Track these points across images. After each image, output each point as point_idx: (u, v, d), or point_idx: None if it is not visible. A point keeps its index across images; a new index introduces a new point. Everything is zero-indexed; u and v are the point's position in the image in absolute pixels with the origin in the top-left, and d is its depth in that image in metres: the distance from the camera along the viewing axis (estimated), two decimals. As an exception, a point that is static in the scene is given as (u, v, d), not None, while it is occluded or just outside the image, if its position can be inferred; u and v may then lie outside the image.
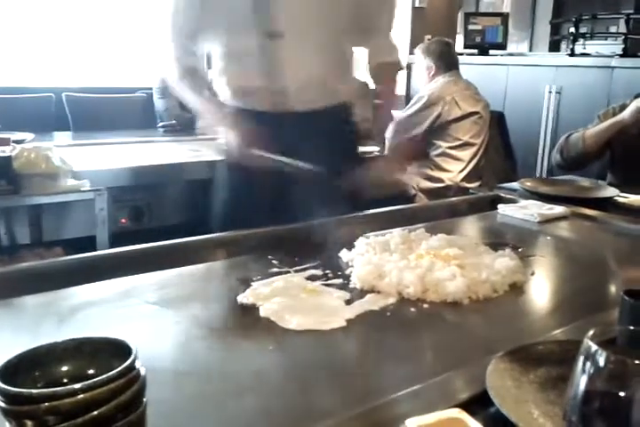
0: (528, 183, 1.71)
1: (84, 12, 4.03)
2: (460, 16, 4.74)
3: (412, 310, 0.88)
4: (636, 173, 1.90)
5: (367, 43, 1.49)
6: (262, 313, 0.85)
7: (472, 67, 3.77)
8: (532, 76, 3.76)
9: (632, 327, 0.56)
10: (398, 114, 3.11)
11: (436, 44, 3.02)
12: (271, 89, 1.34)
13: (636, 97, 2.01)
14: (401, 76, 4.59)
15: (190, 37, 1.37)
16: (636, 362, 0.43)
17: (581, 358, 0.47)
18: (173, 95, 3.46)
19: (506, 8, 5.36)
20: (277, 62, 1.31)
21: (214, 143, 1.34)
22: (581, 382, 0.46)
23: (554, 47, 5.07)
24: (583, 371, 0.46)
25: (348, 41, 1.45)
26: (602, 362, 0.45)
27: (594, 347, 0.46)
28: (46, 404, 0.46)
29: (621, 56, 3.36)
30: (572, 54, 3.69)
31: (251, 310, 0.87)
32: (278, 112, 1.36)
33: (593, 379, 0.45)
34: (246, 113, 1.38)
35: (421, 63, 3.01)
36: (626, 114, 1.88)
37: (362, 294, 0.93)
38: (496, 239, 1.24)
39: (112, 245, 1.99)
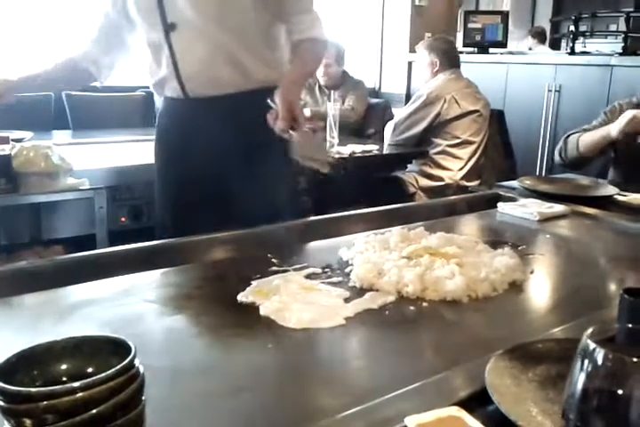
0: (528, 182, 1.71)
1: (84, 12, 4.02)
2: (460, 14, 4.75)
3: (412, 308, 0.88)
4: (638, 171, 1.89)
5: (288, 20, 1.42)
6: (262, 311, 0.85)
7: (472, 65, 3.77)
8: (531, 75, 3.76)
9: (631, 326, 0.56)
10: (398, 112, 3.11)
11: (440, 40, 3.01)
12: (174, 77, 1.43)
13: None
14: (401, 74, 4.61)
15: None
16: (634, 360, 0.43)
17: (580, 357, 0.47)
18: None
19: (506, 6, 5.36)
20: (174, 53, 1.40)
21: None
22: (580, 380, 0.46)
23: (554, 45, 5.07)
24: (581, 369, 0.46)
25: (263, 22, 1.41)
26: (600, 360, 0.45)
27: (592, 345, 0.46)
28: (45, 402, 0.46)
29: (621, 54, 3.36)
30: (572, 52, 3.69)
31: (250, 308, 0.87)
32: (189, 98, 1.45)
33: (591, 377, 0.45)
34: (168, 100, 1.53)
35: (424, 59, 2.99)
36: (613, 130, 1.85)
37: (361, 292, 0.93)
38: (495, 238, 1.24)
39: (111, 243, 1.99)
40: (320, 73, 3.40)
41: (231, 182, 1.43)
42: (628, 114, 1.81)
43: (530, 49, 5.29)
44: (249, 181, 1.42)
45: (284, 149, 1.33)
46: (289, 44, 1.46)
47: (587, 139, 1.93)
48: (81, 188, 1.98)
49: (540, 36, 5.56)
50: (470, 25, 4.27)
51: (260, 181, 1.41)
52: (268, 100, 1.24)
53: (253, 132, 1.35)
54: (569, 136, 2.01)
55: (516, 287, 0.98)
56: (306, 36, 1.41)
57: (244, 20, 1.39)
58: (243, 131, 1.41)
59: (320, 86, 3.54)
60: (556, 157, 2.05)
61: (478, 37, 4.27)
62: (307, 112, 2.46)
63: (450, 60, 2.95)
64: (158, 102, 3.48)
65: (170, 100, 1.51)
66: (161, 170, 1.57)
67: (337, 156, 2.52)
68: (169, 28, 1.37)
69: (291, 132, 1.20)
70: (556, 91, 3.59)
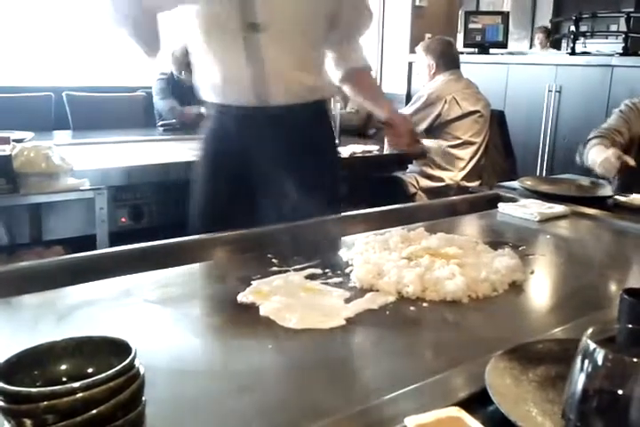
0: (528, 182, 1.71)
1: (83, 11, 4.02)
2: (461, 14, 4.75)
3: (412, 308, 0.88)
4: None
5: (340, 46, 1.48)
6: (262, 312, 0.85)
7: (472, 65, 3.77)
8: (532, 75, 3.76)
9: (631, 326, 0.56)
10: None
11: (437, 42, 3.01)
12: (253, 81, 1.36)
13: None
14: (401, 75, 4.61)
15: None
16: (634, 360, 0.43)
17: (580, 357, 0.47)
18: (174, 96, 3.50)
19: (506, 6, 5.36)
20: (259, 55, 1.33)
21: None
22: (580, 381, 0.46)
23: (554, 46, 5.07)
24: (581, 369, 0.46)
25: (323, 43, 1.45)
26: (600, 360, 0.45)
27: (592, 345, 0.46)
28: (45, 403, 0.46)
29: (622, 55, 3.36)
30: (573, 53, 3.68)
31: (250, 308, 0.87)
32: (258, 107, 1.38)
33: (591, 377, 0.45)
34: (225, 108, 1.43)
35: (422, 61, 3.00)
36: (599, 169, 1.82)
37: (361, 292, 0.93)
38: (496, 238, 1.24)
39: (112, 244, 1.99)
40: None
41: (287, 193, 1.36)
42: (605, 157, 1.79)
43: (532, 46, 5.29)
44: (304, 190, 1.35)
45: (336, 158, 1.53)
46: (339, 70, 1.51)
47: (588, 157, 1.90)
48: (81, 188, 1.98)
49: (547, 33, 5.51)
50: (471, 25, 4.27)
51: (316, 188, 1.36)
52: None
53: (314, 143, 1.41)
54: (584, 144, 1.96)
55: (517, 288, 0.98)
56: (362, 64, 1.51)
57: (318, 34, 1.41)
58: (305, 141, 1.41)
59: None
60: (577, 160, 2.01)
61: (479, 38, 4.27)
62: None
63: (447, 61, 2.95)
64: (160, 104, 3.52)
65: (231, 107, 1.42)
66: (208, 177, 1.49)
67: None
68: (253, 29, 1.30)
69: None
70: (556, 91, 3.59)
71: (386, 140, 1.54)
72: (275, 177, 1.36)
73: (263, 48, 1.31)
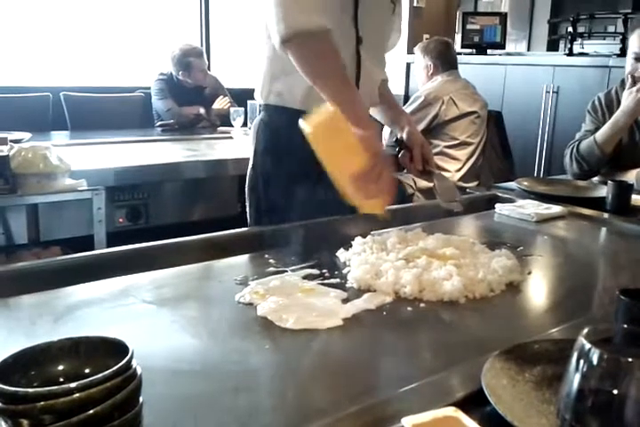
0: (525, 183, 1.71)
1: (82, 12, 4.02)
2: (459, 15, 4.75)
3: (409, 309, 0.89)
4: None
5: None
6: (259, 312, 0.85)
7: (470, 66, 3.78)
8: (529, 76, 3.77)
9: (627, 326, 0.56)
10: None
11: (435, 43, 3.02)
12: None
13: (621, 82, 2.00)
14: (399, 76, 4.62)
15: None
16: (629, 360, 0.43)
17: (575, 357, 0.47)
18: (173, 97, 3.50)
19: (504, 7, 5.36)
20: (360, 65, 1.33)
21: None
22: (575, 381, 0.46)
23: (552, 47, 5.08)
24: (577, 369, 0.46)
25: None
26: (595, 360, 0.45)
27: (587, 345, 0.46)
28: (42, 403, 0.46)
29: (619, 55, 3.37)
30: (570, 54, 3.69)
31: (248, 309, 0.87)
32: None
33: (586, 377, 0.45)
34: (293, 112, 1.32)
35: (420, 62, 3.01)
36: (623, 115, 1.84)
37: (358, 293, 0.93)
38: (493, 239, 1.24)
39: (109, 244, 1.99)
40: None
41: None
42: (629, 95, 1.82)
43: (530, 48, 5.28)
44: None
45: None
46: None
47: (603, 136, 1.89)
48: (79, 189, 1.98)
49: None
50: (469, 26, 4.28)
51: None
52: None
53: None
54: (578, 146, 1.95)
55: (514, 288, 0.98)
56: (386, 76, 1.51)
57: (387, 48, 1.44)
58: None
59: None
60: (574, 169, 1.97)
61: (476, 39, 4.27)
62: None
63: (446, 61, 2.95)
64: (159, 105, 3.51)
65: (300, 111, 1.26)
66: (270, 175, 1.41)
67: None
68: (359, 42, 1.31)
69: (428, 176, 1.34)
70: (553, 92, 3.59)
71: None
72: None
73: (363, 60, 1.33)
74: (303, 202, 1.37)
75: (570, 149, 1.99)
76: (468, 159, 2.88)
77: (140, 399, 0.52)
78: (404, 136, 1.40)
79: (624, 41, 3.46)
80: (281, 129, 1.36)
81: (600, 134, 1.90)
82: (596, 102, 2.03)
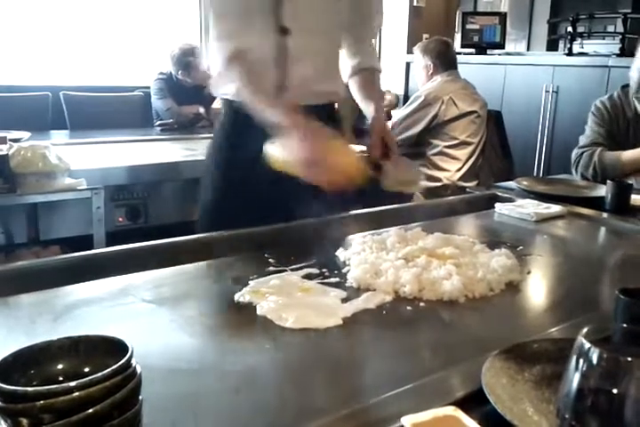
0: (525, 182, 1.71)
1: (81, 11, 4.02)
2: (458, 15, 4.75)
3: (409, 308, 0.89)
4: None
5: (353, 46, 1.49)
6: (259, 311, 0.85)
7: (470, 66, 3.78)
8: (529, 76, 3.77)
9: (626, 325, 0.56)
10: (396, 113, 3.11)
11: (435, 42, 3.02)
12: (277, 84, 1.35)
13: (622, 88, 2.00)
14: (399, 75, 4.62)
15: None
16: (629, 360, 0.43)
17: (575, 356, 0.47)
18: (172, 96, 3.50)
19: (504, 7, 5.36)
20: (284, 58, 1.33)
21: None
22: (574, 380, 0.46)
23: (551, 46, 5.07)
24: (576, 368, 0.46)
25: (341, 43, 1.46)
26: (595, 360, 0.45)
27: (587, 345, 0.46)
28: (41, 402, 0.46)
29: (618, 55, 3.37)
30: (570, 54, 3.69)
31: (247, 308, 0.87)
32: None
33: (586, 376, 0.45)
34: (239, 104, 1.37)
35: (419, 62, 3.01)
36: None
37: (358, 292, 0.93)
38: (493, 238, 1.24)
39: (109, 243, 1.99)
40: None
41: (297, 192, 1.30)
42: None
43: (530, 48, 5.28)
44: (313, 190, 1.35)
45: None
46: (348, 68, 1.50)
47: (630, 159, 1.89)
48: (78, 188, 1.98)
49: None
50: (468, 26, 4.28)
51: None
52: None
53: None
54: (595, 155, 1.93)
55: (513, 288, 0.98)
56: (370, 64, 1.49)
57: (338, 36, 1.42)
58: None
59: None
60: (587, 174, 1.95)
61: (476, 38, 4.27)
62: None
63: (445, 61, 2.95)
64: (158, 104, 3.51)
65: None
66: (219, 174, 1.44)
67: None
68: (283, 32, 1.30)
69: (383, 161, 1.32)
70: (553, 92, 3.59)
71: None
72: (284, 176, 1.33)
73: (290, 50, 1.33)
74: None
75: (588, 156, 1.95)
76: (467, 159, 2.88)
77: (140, 398, 0.52)
78: (370, 119, 1.42)
79: (623, 41, 3.46)
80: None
81: (628, 156, 1.90)
82: (600, 106, 2.02)
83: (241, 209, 1.36)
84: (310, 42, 1.35)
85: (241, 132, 1.38)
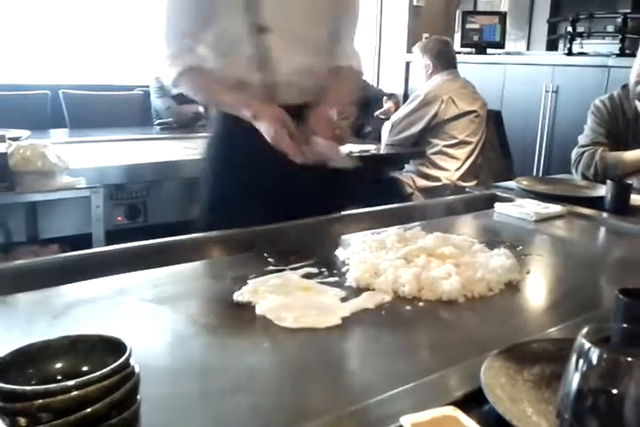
0: (524, 182, 1.71)
1: (81, 10, 4.01)
2: (458, 14, 4.75)
3: (408, 308, 0.89)
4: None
5: (335, 45, 1.47)
6: (258, 311, 0.85)
7: (469, 65, 3.78)
8: (529, 75, 3.77)
9: (626, 325, 0.56)
10: (396, 112, 3.11)
11: (434, 42, 3.02)
12: (263, 82, 1.35)
13: (622, 87, 2.00)
14: (399, 75, 4.62)
15: (191, 36, 1.36)
16: (629, 360, 0.43)
17: (574, 356, 0.47)
18: (172, 94, 3.49)
19: (504, 7, 5.36)
20: (267, 56, 1.33)
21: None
22: (574, 380, 0.46)
23: (551, 46, 5.08)
24: (576, 369, 0.46)
25: (324, 40, 1.44)
26: (595, 360, 0.45)
27: (587, 345, 0.46)
28: (39, 401, 0.46)
29: (618, 55, 3.37)
30: (570, 53, 3.69)
31: (246, 307, 0.87)
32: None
33: (586, 377, 0.45)
34: None
35: (419, 61, 3.01)
36: None
37: (357, 292, 0.93)
38: (492, 238, 1.24)
39: (108, 242, 1.99)
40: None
41: (293, 191, 1.34)
42: None
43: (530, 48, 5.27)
44: (309, 189, 1.34)
45: None
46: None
47: (632, 159, 1.89)
48: (77, 187, 1.98)
49: None
50: (468, 25, 4.28)
51: (319, 188, 1.35)
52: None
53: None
54: (597, 154, 1.93)
55: (513, 288, 0.98)
56: (345, 63, 1.47)
57: (323, 33, 1.41)
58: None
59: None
60: (587, 173, 1.95)
61: (476, 38, 4.27)
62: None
63: (444, 61, 2.95)
64: (158, 103, 3.51)
65: None
66: (217, 175, 1.45)
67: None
68: (261, 31, 1.30)
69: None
70: (553, 91, 3.60)
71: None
72: (280, 176, 1.33)
73: (273, 50, 1.32)
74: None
75: (590, 155, 1.95)
76: (467, 158, 2.88)
77: (138, 398, 0.51)
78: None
79: (623, 41, 3.46)
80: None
81: (630, 157, 1.90)
82: (600, 105, 2.02)
83: (240, 208, 1.36)
84: (292, 40, 1.34)
85: (236, 131, 1.37)
